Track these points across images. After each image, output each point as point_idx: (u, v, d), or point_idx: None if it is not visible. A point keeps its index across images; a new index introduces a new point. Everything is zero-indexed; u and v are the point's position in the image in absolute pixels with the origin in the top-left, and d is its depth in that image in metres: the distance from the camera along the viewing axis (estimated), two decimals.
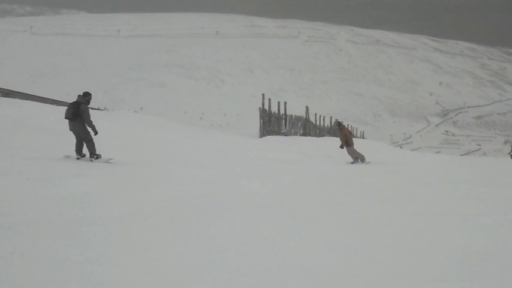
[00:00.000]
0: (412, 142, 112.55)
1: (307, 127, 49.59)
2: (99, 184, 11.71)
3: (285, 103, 45.76)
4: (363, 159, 21.38)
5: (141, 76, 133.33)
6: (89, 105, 16.09)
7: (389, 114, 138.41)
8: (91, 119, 15.67)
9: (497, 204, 10.76)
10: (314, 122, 53.96)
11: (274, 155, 23.17)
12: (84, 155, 15.74)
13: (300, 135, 46.34)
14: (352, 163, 21.37)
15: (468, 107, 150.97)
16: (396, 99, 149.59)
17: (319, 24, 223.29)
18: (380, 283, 5.85)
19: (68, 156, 15.65)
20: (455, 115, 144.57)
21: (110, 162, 15.55)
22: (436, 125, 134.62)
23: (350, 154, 21.63)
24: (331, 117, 64.69)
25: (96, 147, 15.83)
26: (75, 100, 16.01)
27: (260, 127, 43.58)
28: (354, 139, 23.06)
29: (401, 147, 79.39)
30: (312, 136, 46.17)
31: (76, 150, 15.71)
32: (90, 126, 15.46)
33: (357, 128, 78.68)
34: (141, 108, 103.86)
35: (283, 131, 43.04)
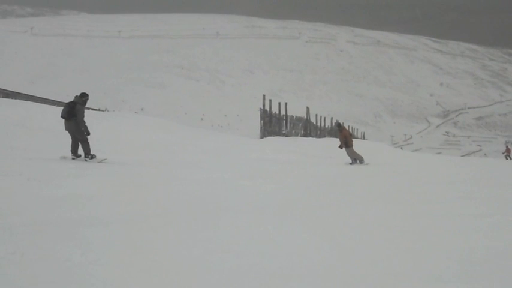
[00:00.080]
0: (412, 143, 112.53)
1: (307, 128, 49.55)
2: (100, 185, 11.71)
3: (286, 104, 45.71)
4: (361, 160, 21.49)
5: (141, 77, 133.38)
6: (86, 106, 16.15)
7: (389, 115, 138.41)
8: (84, 119, 15.79)
9: (497, 204, 10.77)
10: (315, 123, 53.92)
11: (274, 156, 23.17)
12: (79, 156, 15.76)
13: (301, 136, 46.30)
14: (350, 164, 21.48)
15: (469, 108, 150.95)
16: (397, 100, 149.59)
17: (320, 25, 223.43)
18: (380, 283, 5.85)
19: (64, 157, 15.65)
20: (456, 116, 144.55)
21: (104, 162, 15.56)
22: (437, 126, 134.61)
23: (349, 155, 21.75)
24: (331, 118, 64.72)
25: (91, 147, 15.87)
26: (71, 100, 16.05)
27: (261, 128, 43.54)
28: (354, 140, 23.17)
29: (401, 148, 79.39)
30: (312, 137, 46.16)
31: (71, 151, 15.74)
32: (82, 127, 15.48)
33: (357, 129, 78.67)
34: (142, 109, 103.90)
35: (283, 132, 43.00)
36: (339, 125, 23.26)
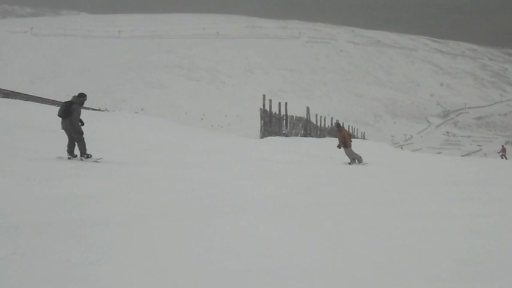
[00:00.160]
0: (412, 143, 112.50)
1: (308, 128, 49.54)
2: (100, 185, 11.71)
3: (286, 104, 45.70)
4: (360, 160, 21.63)
5: (141, 77, 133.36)
6: (84, 106, 16.20)
7: (390, 115, 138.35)
8: (82, 119, 15.93)
9: (497, 205, 10.78)
10: (315, 123, 53.90)
11: (275, 156, 23.17)
12: (75, 156, 15.79)
13: (301, 136, 46.29)
14: (349, 163, 21.60)
15: (469, 108, 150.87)
16: (397, 100, 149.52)
17: (320, 25, 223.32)
18: (380, 283, 5.86)
19: (60, 157, 15.67)
20: (456, 116, 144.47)
21: (100, 162, 15.58)
22: (437, 126, 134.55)
23: (347, 155, 21.89)
24: (331, 118, 64.70)
25: (88, 146, 15.93)
26: (69, 99, 16.13)
27: (261, 128, 43.52)
28: (354, 140, 23.29)
29: (402, 148, 79.39)
30: (312, 137, 46.15)
31: (68, 150, 15.78)
32: (76, 126, 15.53)
33: (357, 129, 78.65)
34: (142, 109, 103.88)
35: (284, 132, 43.00)
36: (338, 125, 23.49)
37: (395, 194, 12.80)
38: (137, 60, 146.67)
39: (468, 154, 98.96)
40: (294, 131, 46.42)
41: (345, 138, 21.79)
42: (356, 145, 27.29)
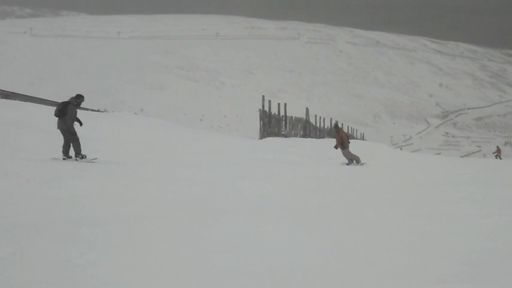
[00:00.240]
0: (412, 144, 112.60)
1: (307, 129, 49.56)
2: (99, 185, 11.71)
3: (285, 105, 45.70)
4: (358, 161, 21.70)
5: (141, 78, 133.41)
6: (80, 107, 16.36)
7: (389, 115, 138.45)
8: (79, 119, 16.10)
9: (497, 205, 10.78)
10: (314, 124, 53.92)
11: (274, 157, 23.18)
12: (70, 157, 15.80)
13: (300, 136, 46.31)
14: (347, 164, 21.67)
15: (468, 109, 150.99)
16: (396, 101, 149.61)
17: (319, 26, 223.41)
18: (380, 284, 5.86)
19: (55, 158, 15.67)
20: (455, 117, 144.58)
21: (94, 162, 15.60)
22: (436, 127, 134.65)
23: (345, 156, 21.97)
24: (331, 118, 64.71)
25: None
26: (66, 100, 16.30)
27: (260, 129, 43.52)
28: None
29: (401, 148, 79.43)
30: (312, 138, 46.15)
31: (63, 151, 15.82)
32: (69, 126, 15.65)
33: (356, 130, 78.66)
34: (141, 110, 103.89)
35: (283, 133, 43.01)
36: (336, 126, 23.80)
37: (394, 195, 12.81)
38: (136, 61, 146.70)
39: (467, 155, 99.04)
40: (293, 132, 46.44)
41: (342, 140, 21.89)
42: (355, 146, 27.27)
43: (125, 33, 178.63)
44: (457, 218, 9.26)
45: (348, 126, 70.28)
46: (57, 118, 15.89)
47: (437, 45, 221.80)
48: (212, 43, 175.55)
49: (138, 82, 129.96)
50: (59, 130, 15.89)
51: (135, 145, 22.08)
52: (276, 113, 43.99)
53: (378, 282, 5.93)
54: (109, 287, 5.37)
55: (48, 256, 6.13)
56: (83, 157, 15.69)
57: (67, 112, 15.68)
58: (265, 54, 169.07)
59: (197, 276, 5.84)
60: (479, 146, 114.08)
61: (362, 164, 21.63)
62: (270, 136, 40.46)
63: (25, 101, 32.21)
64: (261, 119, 43.45)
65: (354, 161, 21.79)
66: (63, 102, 16.10)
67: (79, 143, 15.72)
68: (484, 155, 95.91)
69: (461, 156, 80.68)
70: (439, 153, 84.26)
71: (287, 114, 45.46)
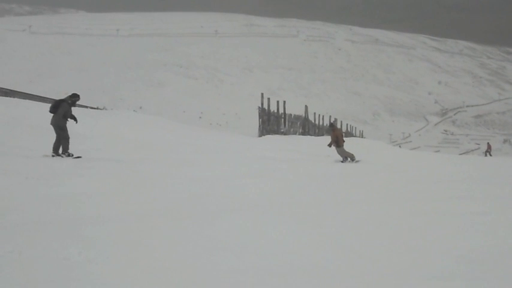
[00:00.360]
0: (411, 141, 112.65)
1: (306, 126, 49.55)
2: (98, 183, 11.71)
3: (284, 102, 45.65)
4: (352, 158, 21.88)
5: (140, 75, 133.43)
6: (75, 105, 16.70)
7: (388, 113, 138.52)
8: (76, 119, 16.54)
9: (496, 203, 10.77)
10: (313, 121, 53.92)
11: (273, 154, 23.18)
12: (59, 155, 15.90)
13: (299, 134, 46.31)
14: (342, 162, 21.83)
15: (467, 106, 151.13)
16: (395, 99, 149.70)
17: (318, 24, 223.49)
18: (379, 282, 5.86)
19: (45, 156, 15.73)
20: (454, 114, 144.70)
21: (79, 159, 15.72)
22: (435, 124, 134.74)
23: (340, 154, 22.18)
24: (330, 116, 64.73)
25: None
26: (62, 98, 16.85)
27: (259, 126, 43.49)
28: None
29: (400, 146, 79.48)
30: (311, 135, 46.16)
31: (53, 148, 15.97)
32: (58, 121, 16.00)
33: (355, 127, 78.71)
34: (140, 108, 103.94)
35: (282, 130, 42.98)
36: (331, 125, 24.17)
37: (393, 192, 12.80)
38: (135, 58, 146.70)
39: (466, 152, 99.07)
40: (292, 130, 46.42)
41: (337, 138, 22.07)
42: (354, 143, 27.29)
43: (123, 30, 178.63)
44: (456, 216, 9.26)
45: (347, 124, 70.30)
46: (51, 114, 16.29)
47: (436, 43, 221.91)
48: (211, 41, 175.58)
49: (137, 80, 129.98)
50: (52, 126, 16.22)
51: (134, 143, 22.07)
52: (275, 111, 43.96)
53: (376, 279, 5.93)
54: (108, 285, 5.36)
55: (47, 254, 6.12)
56: (69, 155, 15.84)
57: (59, 110, 16.11)
58: (264, 51, 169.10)
59: (196, 274, 5.83)
60: (478, 144, 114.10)
61: (357, 161, 21.81)
62: (269, 134, 40.46)
63: (24, 98, 32.19)
64: (260, 116, 43.43)
65: (349, 159, 21.96)
66: (58, 100, 16.62)
67: (67, 141, 16.07)
68: (483, 152, 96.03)
69: (460, 154, 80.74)
70: (438, 151, 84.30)
71: (286, 112, 45.43)
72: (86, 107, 36.03)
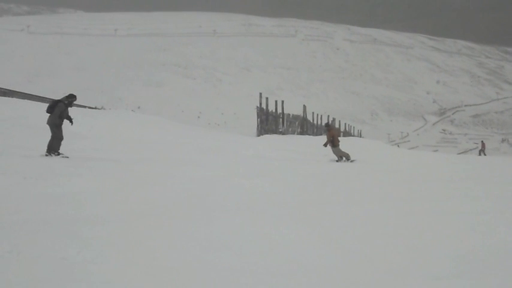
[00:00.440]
0: (409, 141, 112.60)
1: (304, 126, 49.53)
2: (97, 183, 11.71)
3: (282, 102, 45.64)
4: (348, 158, 21.99)
5: (138, 75, 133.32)
6: (71, 105, 16.80)
7: (386, 112, 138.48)
8: (72, 120, 16.63)
9: (494, 202, 10.80)
10: (311, 121, 53.93)
11: (271, 154, 23.19)
12: (50, 154, 15.93)
13: (298, 134, 46.27)
14: (337, 161, 21.95)
15: (465, 106, 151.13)
16: (393, 98, 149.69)
17: (316, 23, 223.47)
18: (377, 281, 5.87)
19: (44, 155, 15.75)
20: (453, 114, 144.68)
21: (64, 157, 15.76)
22: (433, 124, 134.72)
23: (335, 153, 22.34)
24: (328, 116, 64.72)
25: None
26: (59, 99, 16.99)
27: (257, 126, 43.52)
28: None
29: (398, 145, 79.48)
30: (309, 135, 46.16)
31: (48, 146, 16.02)
32: (53, 119, 16.12)
33: (354, 127, 78.74)
34: (138, 107, 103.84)
35: (280, 130, 42.97)
36: (327, 125, 24.44)
37: (391, 192, 12.82)
38: (134, 58, 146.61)
39: (465, 152, 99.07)
40: (290, 129, 46.40)
41: (333, 138, 22.20)
42: (352, 143, 27.32)
43: (122, 30, 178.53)
44: (454, 215, 9.27)
45: (345, 124, 70.32)
46: (48, 114, 16.45)
47: (435, 42, 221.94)
48: (209, 40, 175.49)
49: (136, 79, 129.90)
50: (48, 125, 16.33)
51: (132, 142, 22.06)
52: (273, 111, 43.96)
53: (374, 279, 5.94)
54: (106, 285, 5.37)
55: (46, 254, 6.13)
56: (58, 154, 15.88)
57: (54, 110, 16.27)
58: (263, 51, 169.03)
59: (194, 273, 5.84)
60: (477, 143, 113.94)
61: (352, 160, 21.92)
62: (267, 133, 40.49)
63: (22, 98, 32.19)
64: (258, 116, 43.45)
65: (344, 158, 22.08)
66: (55, 100, 16.75)
67: (60, 141, 16.14)
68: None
69: (459, 154, 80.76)
70: (436, 150, 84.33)
71: (284, 112, 45.41)
72: (84, 106, 36.03)
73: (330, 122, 57.30)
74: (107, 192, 10.82)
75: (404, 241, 7.54)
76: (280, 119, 44.60)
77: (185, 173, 14.65)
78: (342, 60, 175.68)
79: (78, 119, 18.84)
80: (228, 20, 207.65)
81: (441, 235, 7.87)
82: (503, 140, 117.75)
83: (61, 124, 16.21)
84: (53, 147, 15.95)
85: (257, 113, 43.88)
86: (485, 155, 49.40)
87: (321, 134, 50.81)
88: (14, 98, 30.44)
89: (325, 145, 22.73)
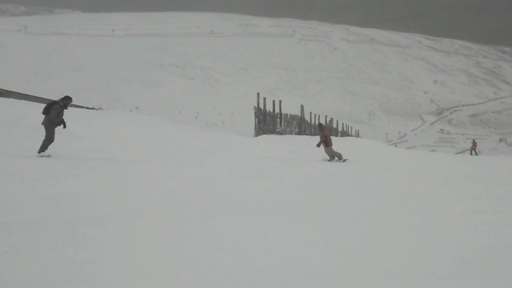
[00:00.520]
0: (407, 140, 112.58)
1: (302, 126, 49.51)
2: (95, 183, 11.70)
3: (280, 102, 45.63)
4: (340, 157, 22.15)
5: (135, 75, 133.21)
6: (66, 107, 16.91)
7: (384, 112, 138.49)
8: (60, 118, 16.56)
9: (492, 202, 10.80)
10: (309, 121, 53.90)
11: (269, 154, 23.19)
12: (48, 155, 15.94)
13: (295, 134, 46.28)
14: (329, 160, 22.13)
15: (463, 106, 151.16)
16: (391, 98, 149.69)
17: (314, 23, 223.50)
18: (376, 281, 5.87)
19: (41, 156, 15.75)
20: (450, 113, 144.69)
21: (48, 157, 15.78)
22: (431, 124, 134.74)
23: (327, 153, 22.54)
24: (326, 116, 64.72)
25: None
26: (55, 100, 17.23)
27: (255, 126, 43.45)
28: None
29: (396, 145, 79.51)
30: (307, 135, 46.15)
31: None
32: (51, 119, 16.21)
33: (351, 127, 78.72)
34: (136, 108, 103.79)
35: (278, 130, 42.94)
36: (320, 125, 24.67)
37: (389, 192, 12.82)
38: (131, 58, 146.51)
39: (462, 151, 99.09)
40: (288, 129, 46.38)
41: (326, 138, 22.36)
42: (350, 143, 27.33)
43: (119, 30, 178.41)
44: (452, 215, 9.28)
45: (342, 124, 70.33)
46: (43, 116, 16.58)
47: (432, 42, 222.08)
48: (207, 41, 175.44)
49: (133, 80, 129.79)
50: (43, 125, 16.42)
51: (129, 143, 22.04)
52: (271, 111, 43.93)
53: (373, 279, 5.94)
54: (105, 285, 5.36)
55: (44, 254, 6.12)
56: (43, 155, 15.90)
57: (51, 111, 16.41)
58: (260, 51, 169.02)
59: (193, 273, 5.84)
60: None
61: (344, 160, 22.09)
62: (265, 133, 40.46)
63: (20, 99, 32.14)
64: (256, 116, 43.39)
65: (336, 158, 22.25)
66: (51, 102, 16.98)
67: (50, 142, 16.18)
68: (479, 151, 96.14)
69: (456, 153, 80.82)
70: (434, 150, 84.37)
71: (282, 112, 45.40)
72: (82, 107, 35.99)
73: (328, 121, 57.41)
74: (104, 192, 10.81)
75: (403, 240, 7.54)
76: (278, 119, 44.58)
77: (183, 173, 14.64)
78: (340, 60, 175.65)
79: (76, 119, 18.83)
80: (226, 20, 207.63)
81: (440, 235, 7.87)
82: (500, 140, 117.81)
83: (54, 126, 16.26)
84: (42, 148, 15.96)
85: (255, 113, 43.80)
86: (476, 154, 49.25)
87: (318, 134, 50.77)
88: (11, 99, 30.40)
89: (318, 145, 22.88)
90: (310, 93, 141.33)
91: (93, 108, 39.74)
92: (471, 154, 48.79)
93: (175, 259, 6.29)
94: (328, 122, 58.59)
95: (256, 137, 36.77)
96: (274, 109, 43.88)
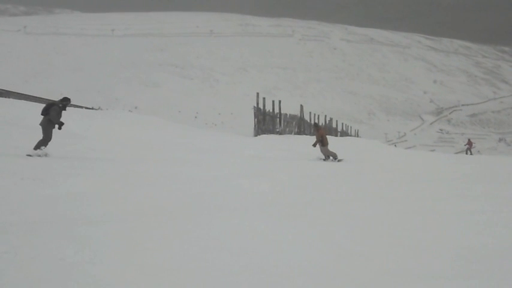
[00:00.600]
0: (406, 140, 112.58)
1: (301, 126, 49.49)
2: (94, 183, 11.70)
3: (280, 102, 45.64)
4: (335, 157, 22.30)
5: (135, 75, 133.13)
6: (65, 108, 16.97)
7: (383, 112, 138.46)
8: (59, 119, 16.55)
9: (492, 201, 10.80)
10: (308, 121, 53.88)
11: (269, 154, 23.20)
12: (45, 154, 15.95)
13: (295, 134, 46.28)
14: (324, 160, 22.27)
15: (462, 105, 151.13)
16: (390, 98, 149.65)
17: (313, 23, 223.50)
18: (375, 281, 5.87)
19: (40, 156, 15.74)
20: (450, 113, 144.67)
21: (47, 156, 15.77)
22: (431, 123, 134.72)
23: (323, 153, 22.71)
24: (325, 115, 64.74)
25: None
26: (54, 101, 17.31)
27: (255, 126, 43.44)
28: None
29: (395, 145, 79.51)
30: (306, 135, 46.14)
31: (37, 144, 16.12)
32: (53, 119, 16.23)
33: (351, 127, 78.69)
34: (136, 108, 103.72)
35: (277, 130, 42.94)
36: (316, 125, 24.70)
37: (389, 192, 12.82)
38: (131, 58, 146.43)
39: (462, 151, 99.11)
40: (287, 129, 46.37)
41: (322, 137, 22.48)
42: (349, 143, 27.34)
43: (118, 30, 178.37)
44: (451, 215, 9.28)
45: (342, 123, 70.33)
46: (42, 116, 16.62)
47: (432, 42, 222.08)
48: (206, 41, 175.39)
49: (132, 80, 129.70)
50: (40, 126, 16.47)
51: (129, 143, 22.05)
52: (271, 110, 43.92)
53: (372, 279, 5.94)
54: (104, 285, 5.36)
55: (43, 254, 6.11)
56: (38, 154, 15.89)
57: (50, 112, 16.39)
58: (260, 51, 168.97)
59: (192, 274, 5.84)
60: (474, 143, 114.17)
61: (339, 160, 22.22)
62: (264, 133, 40.47)
63: (19, 99, 32.15)
64: (255, 116, 43.39)
65: (331, 158, 22.37)
66: (50, 103, 16.97)
67: (46, 142, 16.13)
68: (479, 151, 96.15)
69: (456, 153, 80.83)
70: (434, 150, 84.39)
71: (281, 112, 45.40)
72: (81, 107, 35.99)
73: (327, 121, 57.41)
74: (104, 192, 10.80)
75: (402, 240, 7.54)
76: (278, 119, 44.58)
77: (183, 173, 14.64)
78: (339, 60, 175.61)
79: (75, 119, 18.83)
80: (225, 20, 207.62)
81: (438, 234, 7.87)
82: (500, 140, 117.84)
83: (52, 127, 16.27)
84: (36, 146, 15.95)
85: (254, 113, 43.79)
86: (471, 154, 49.14)
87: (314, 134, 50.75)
88: (10, 99, 30.41)
89: (314, 145, 23.01)
90: (310, 93, 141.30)
91: (92, 108, 39.74)
92: (466, 154, 48.63)
93: (175, 259, 6.29)
94: (327, 122, 58.60)
95: (256, 137, 36.79)
96: (273, 109, 43.88)
